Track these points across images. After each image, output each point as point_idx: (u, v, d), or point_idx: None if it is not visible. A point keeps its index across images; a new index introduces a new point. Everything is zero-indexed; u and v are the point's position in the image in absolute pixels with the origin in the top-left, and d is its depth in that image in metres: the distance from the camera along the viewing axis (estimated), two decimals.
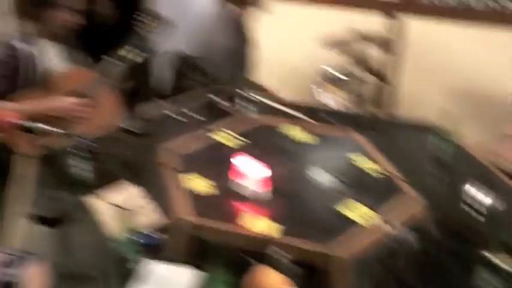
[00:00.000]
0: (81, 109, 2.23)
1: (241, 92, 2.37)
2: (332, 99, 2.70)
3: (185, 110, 2.39)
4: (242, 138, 2.07)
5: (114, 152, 2.05)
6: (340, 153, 1.98)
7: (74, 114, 2.19)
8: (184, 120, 2.34)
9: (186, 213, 1.55)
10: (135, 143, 2.19)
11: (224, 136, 2.08)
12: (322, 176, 1.82)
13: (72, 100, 2.24)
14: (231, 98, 2.47)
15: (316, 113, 2.39)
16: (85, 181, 1.83)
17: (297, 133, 2.14)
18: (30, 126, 1.57)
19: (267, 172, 1.67)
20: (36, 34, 2.32)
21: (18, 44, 2.25)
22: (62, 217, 1.61)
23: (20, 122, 1.57)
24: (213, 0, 2.79)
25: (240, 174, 1.69)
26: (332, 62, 2.82)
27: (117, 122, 2.39)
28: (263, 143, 2.08)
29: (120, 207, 1.62)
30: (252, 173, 1.66)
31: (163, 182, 1.77)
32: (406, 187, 1.75)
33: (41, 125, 1.55)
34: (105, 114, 2.44)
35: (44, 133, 1.55)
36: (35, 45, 2.32)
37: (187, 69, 2.90)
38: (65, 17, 2.31)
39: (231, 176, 1.74)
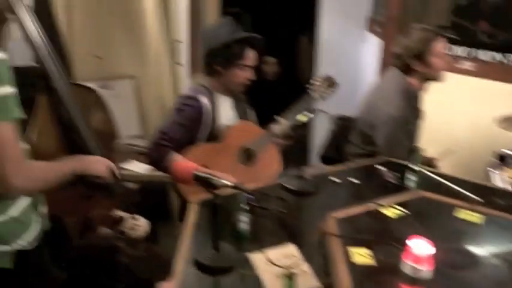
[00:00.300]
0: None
1: (409, 165, 2.33)
2: (509, 183, 2.54)
3: (350, 178, 2.39)
4: (404, 210, 2.02)
5: (274, 208, 2.12)
6: (510, 238, 1.84)
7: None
8: (347, 185, 2.35)
9: (345, 282, 1.54)
10: (295, 201, 2.24)
11: (388, 208, 2.04)
12: (488, 259, 1.69)
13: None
14: (398, 170, 2.43)
15: (486, 194, 2.24)
16: (246, 235, 1.89)
17: (464, 212, 2.02)
18: (205, 178, 1.69)
19: (431, 249, 1.60)
20: (215, 88, 2.54)
21: (202, 98, 2.46)
22: (223, 267, 1.69)
23: (198, 173, 1.70)
24: (393, 72, 2.78)
25: (403, 250, 1.64)
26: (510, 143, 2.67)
27: (279, 179, 2.48)
28: (427, 218, 1.99)
29: (280, 266, 1.66)
30: (413, 248, 1.61)
31: (323, 247, 1.77)
32: None
33: (215, 177, 1.66)
34: (268, 170, 2.55)
35: (217, 185, 1.66)
36: (214, 99, 2.53)
37: (351, 134, 2.92)
38: (246, 75, 2.50)
39: (391, 249, 1.70)
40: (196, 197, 2.13)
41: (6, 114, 1.38)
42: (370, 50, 3.95)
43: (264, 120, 2.77)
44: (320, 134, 3.39)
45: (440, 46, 2.61)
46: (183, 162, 1.75)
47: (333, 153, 2.98)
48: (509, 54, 3.11)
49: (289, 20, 4.97)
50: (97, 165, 1.87)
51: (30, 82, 1.62)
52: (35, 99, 1.79)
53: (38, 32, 1.81)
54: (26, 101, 1.43)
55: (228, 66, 2.45)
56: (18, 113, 1.42)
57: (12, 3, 1.71)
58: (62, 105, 1.87)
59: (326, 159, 2.99)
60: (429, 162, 2.76)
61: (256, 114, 2.81)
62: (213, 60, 2.46)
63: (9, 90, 1.37)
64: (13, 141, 1.43)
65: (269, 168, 2.54)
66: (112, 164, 1.93)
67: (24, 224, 1.60)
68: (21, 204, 1.59)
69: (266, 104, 3.71)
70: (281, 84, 4.52)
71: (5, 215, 1.54)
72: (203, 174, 1.70)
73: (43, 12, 2.35)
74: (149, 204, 2.63)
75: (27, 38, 1.79)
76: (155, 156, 2.31)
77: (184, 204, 2.37)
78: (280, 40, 4.93)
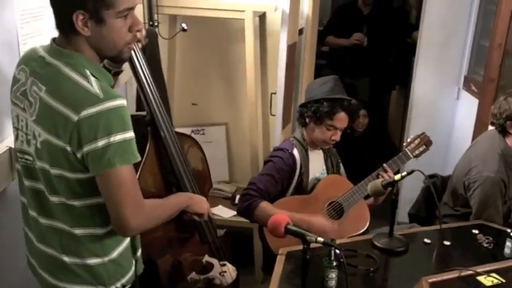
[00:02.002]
0: (331, 234, 2.31)
1: (507, 230, 2.23)
2: None
3: (442, 240, 2.32)
4: (501, 278, 1.92)
5: (362, 266, 2.08)
6: None
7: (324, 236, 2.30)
8: (438, 247, 2.28)
9: None
10: (384, 260, 2.20)
11: (484, 276, 1.95)
12: None
13: (327, 224, 2.38)
14: (494, 236, 2.34)
15: None
16: None
17: None
18: (297, 232, 1.70)
19: None
20: (308, 142, 2.57)
21: (293, 151, 2.51)
22: None
23: (290, 226, 1.72)
24: (491, 133, 2.72)
25: None
26: None
27: (366, 235, 2.45)
28: None
29: None
30: None
31: None
32: None
33: (308, 233, 1.67)
34: (356, 226, 2.53)
35: (308, 241, 1.67)
36: (306, 152, 2.56)
37: (445, 194, 2.84)
38: (332, 136, 2.51)
39: None
40: (283, 248, 2.15)
41: (130, 157, 1.47)
42: (464, 109, 3.86)
43: (353, 173, 2.76)
44: (410, 192, 3.32)
45: None
46: (276, 215, 1.77)
47: (424, 213, 2.90)
48: None
49: (387, 73, 4.98)
50: (200, 202, 1.93)
51: (140, 130, 1.72)
52: (143, 147, 1.90)
53: (149, 81, 1.94)
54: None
55: (316, 122, 2.49)
56: (138, 156, 1.50)
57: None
58: (167, 152, 1.98)
59: (416, 218, 2.92)
60: None
61: (345, 166, 2.81)
62: (305, 112, 2.51)
63: (131, 134, 1.46)
64: (134, 183, 1.51)
65: (357, 224, 2.52)
66: (209, 205, 2.00)
67: (122, 266, 1.66)
68: (122, 246, 1.65)
69: (355, 156, 3.71)
70: (370, 137, 4.50)
71: (107, 257, 1.60)
72: (295, 228, 1.72)
73: (151, 60, 2.51)
74: (234, 251, 2.67)
75: (140, 84, 1.92)
76: (243, 205, 2.36)
77: (268, 254, 2.39)
78: (374, 92, 4.96)
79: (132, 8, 1.48)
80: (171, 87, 3.36)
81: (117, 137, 1.41)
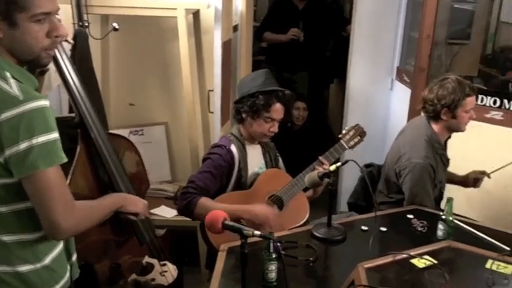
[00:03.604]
0: (274, 221, 2.36)
1: (439, 214, 2.32)
2: None
3: (378, 226, 2.39)
4: (434, 260, 1.99)
5: (302, 257, 2.11)
6: None
7: (267, 224, 2.34)
8: (375, 234, 2.34)
9: None
10: (323, 249, 2.24)
11: (417, 259, 2.02)
12: None
13: (270, 211, 2.40)
14: (427, 219, 2.42)
15: None
16: (274, 284, 1.90)
17: (495, 263, 1.99)
18: (234, 227, 1.71)
19: None
20: (245, 137, 2.59)
21: (231, 147, 2.52)
22: None
23: (229, 222, 1.73)
24: (419, 120, 2.81)
25: None
26: None
27: (306, 226, 2.48)
28: (457, 269, 1.98)
29: None
30: None
31: None
32: None
33: (245, 228, 1.68)
34: (296, 218, 2.57)
35: (245, 235, 1.68)
36: (244, 148, 2.57)
37: (379, 182, 2.93)
38: (270, 128, 2.54)
39: None
40: (224, 244, 2.16)
41: (55, 159, 1.44)
42: (398, 99, 3.98)
43: (293, 166, 2.80)
44: (349, 182, 3.40)
45: (471, 102, 2.63)
46: (213, 211, 1.77)
47: (362, 201, 2.97)
48: None
49: (324, 66, 5.06)
50: (135, 202, 1.91)
51: (69, 133, 1.69)
52: (73, 150, 1.86)
53: (76, 82, 1.90)
54: (65, 151, 1.49)
55: (253, 116, 2.51)
56: (64, 157, 1.47)
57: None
58: (98, 153, 1.94)
59: (355, 206, 2.99)
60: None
61: (285, 160, 2.85)
62: (241, 108, 2.53)
63: (56, 135, 1.43)
64: (62, 185, 1.48)
65: (297, 216, 2.55)
66: (147, 204, 1.98)
67: (56, 272, 1.62)
68: (55, 251, 1.61)
69: (295, 150, 3.76)
70: (310, 130, 4.56)
71: (39, 263, 1.56)
72: (232, 223, 1.72)
73: (82, 62, 2.46)
74: (176, 250, 2.66)
75: (67, 88, 1.88)
76: (183, 204, 2.35)
77: (211, 251, 2.39)
78: (312, 85, 5.04)
79: (49, 13, 1.44)
80: (106, 88, 3.30)
81: (40, 139, 1.38)
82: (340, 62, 5.15)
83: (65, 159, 1.47)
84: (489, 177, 2.88)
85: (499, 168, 2.82)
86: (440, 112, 2.64)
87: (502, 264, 1.95)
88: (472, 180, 2.90)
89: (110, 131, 2.53)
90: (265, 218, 2.33)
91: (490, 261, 1.97)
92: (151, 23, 3.32)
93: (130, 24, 3.19)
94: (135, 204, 1.89)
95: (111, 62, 3.36)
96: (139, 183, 2.20)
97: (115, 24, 2.71)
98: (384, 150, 3.95)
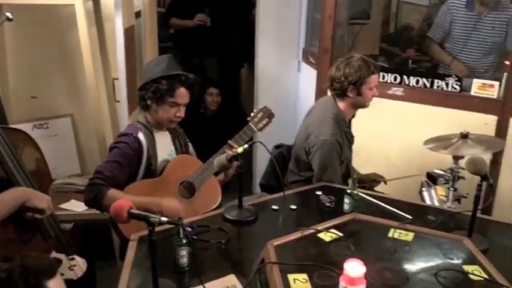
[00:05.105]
0: (186, 211, 2.37)
1: (345, 188, 2.41)
2: (438, 201, 2.67)
3: (289, 205, 2.44)
4: (339, 233, 2.07)
5: (214, 240, 2.13)
6: (440, 254, 1.92)
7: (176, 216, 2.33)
8: (285, 212, 2.40)
9: None
10: (235, 231, 2.26)
11: (324, 233, 2.08)
12: (418, 275, 1.77)
13: (178, 206, 2.40)
14: (334, 195, 2.50)
15: (419, 213, 2.37)
16: (186, 269, 1.90)
17: (396, 231, 2.10)
18: (140, 215, 1.69)
19: (362, 269, 1.65)
20: (152, 124, 2.55)
21: (138, 135, 2.47)
22: None
23: (134, 211, 1.70)
24: (325, 98, 2.89)
25: (338, 273, 1.69)
26: (439, 163, 2.81)
27: (218, 209, 2.50)
28: (361, 240, 2.07)
29: None
30: (347, 270, 1.66)
31: (264, 276, 1.78)
32: None
33: (152, 215, 1.67)
34: (209, 202, 2.58)
35: (153, 222, 1.67)
36: (151, 135, 2.54)
37: (290, 161, 2.99)
38: (176, 113, 2.52)
39: (327, 272, 1.74)
40: (135, 234, 2.13)
41: None
42: (305, 80, 4.07)
43: (208, 152, 2.80)
44: (262, 164, 3.45)
45: (375, 80, 2.74)
46: (117, 201, 1.74)
47: (273, 182, 3.02)
48: (435, 80, 3.29)
49: (233, 51, 5.07)
50: (38, 197, 1.86)
51: None
52: None
53: None
54: None
55: (158, 102, 2.47)
56: None
57: None
58: None
59: (267, 187, 3.04)
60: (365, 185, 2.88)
61: (200, 146, 2.84)
62: (145, 95, 2.49)
63: None
64: None
65: (210, 200, 2.56)
66: (50, 199, 1.92)
67: None
68: None
69: (208, 135, 3.76)
70: (224, 115, 4.58)
71: None
72: (138, 212, 1.70)
73: None
74: (90, 244, 2.59)
75: None
76: (90, 196, 2.29)
77: (124, 242, 2.35)
78: (223, 71, 5.04)
79: None
80: (4, 82, 3.14)
81: None
82: (249, 46, 5.20)
83: None
84: (385, 183, 3.06)
85: (397, 178, 3.01)
86: (346, 89, 2.73)
87: (404, 232, 2.07)
88: (370, 180, 3.04)
89: (10, 126, 2.42)
90: (176, 211, 2.32)
91: (392, 230, 2.08)
92: (49, 11, 3.19)
93: (27, 13, 3.05)
94: (39, 198, 1.84)
95: (9, 54, 3.20)
96: (41, 177, 2.12)
97: (8, 14, 2.57)
98: (294, 131, 4.03)
